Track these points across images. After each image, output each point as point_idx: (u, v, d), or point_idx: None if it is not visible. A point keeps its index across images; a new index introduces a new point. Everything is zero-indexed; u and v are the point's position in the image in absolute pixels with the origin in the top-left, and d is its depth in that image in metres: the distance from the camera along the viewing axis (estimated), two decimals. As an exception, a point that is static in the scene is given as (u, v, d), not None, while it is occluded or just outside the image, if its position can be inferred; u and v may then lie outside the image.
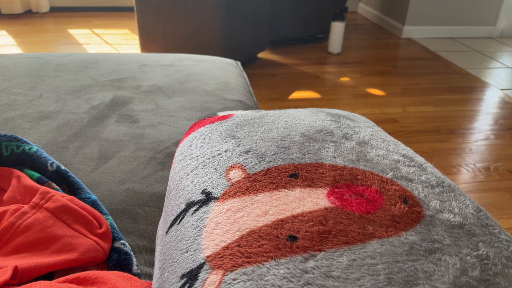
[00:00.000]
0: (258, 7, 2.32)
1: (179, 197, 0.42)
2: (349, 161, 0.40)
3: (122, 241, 0.52)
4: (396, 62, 2.73)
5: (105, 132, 0.75)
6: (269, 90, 2.26)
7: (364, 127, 0.49)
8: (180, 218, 0.39)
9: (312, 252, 0.30)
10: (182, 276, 0.33)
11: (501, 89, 2.40)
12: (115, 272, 0.44)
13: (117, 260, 0.50)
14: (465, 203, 0.37)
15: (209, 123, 0.52)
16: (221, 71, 1.03)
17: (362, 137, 0.45)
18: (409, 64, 2.71)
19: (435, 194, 0.37)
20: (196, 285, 0.31)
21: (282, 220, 0.33)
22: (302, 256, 0.30)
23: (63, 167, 0.59)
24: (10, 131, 0.73)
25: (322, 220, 0.33)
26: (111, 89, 0.90)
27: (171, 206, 0.43)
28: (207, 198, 0.39)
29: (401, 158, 0.42)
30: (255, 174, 0.39)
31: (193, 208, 0.39)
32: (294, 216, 0.33)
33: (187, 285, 0.32)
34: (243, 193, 0.37)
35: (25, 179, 0.55)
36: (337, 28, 2.72)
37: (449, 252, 0.31)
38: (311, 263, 0.29)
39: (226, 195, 0.38)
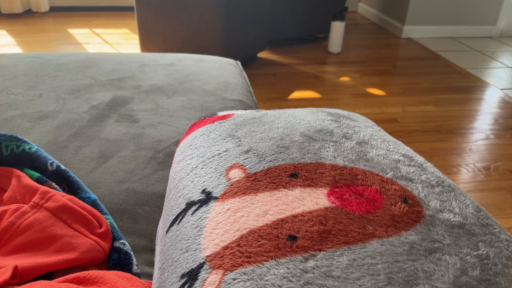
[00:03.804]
0: (258, 6, 2.32)
1: (179, 196, 0.42)
2: (349, 161, 0.40)
3: (122, 240, 0.52)
4: (396, 62, 2.73)
5: (105, 132, 0.75)
6: (269, 89, 2.26)
7: (364, 127, 0.49)
8: (180, 217, 0.39)
9: (312, 252, 0.30)
10: (182, 276, 0.33)
11: (501, 89, 2.40)
12: (115, 271, 0.44)
13: (117, 260, 0.50)
14: (465, 203, 0.37)
15: (209, 123, 0.52)
16: (221, 70, 1.03)
17: (362, 137, 0.45)
18: (409, 64, 2.71)
19: (435, 194, 0.37)
20: (196, 285, 0.31)
21: (282, 219, 0.33)
22: (302, 256, 0.30)
23: (63, 167, 0.59)
24: (10, 131, 0.73)
25: (322, 219, 0.33)
26: (111, 88, 0.90)
27: (171, 205, 0.43)
28: (207, 197, 0.39)
29: (401, 157, 0.42)
30: (255, 173, 0.39)
31: (193, 208, 0.39)
32: (294, 216, 0.33)
33: (187, 285, 0.32)
34: (243, 193, 0.37)
35: (25, 178, 0.55)
36: (337, 28, 2.71)
37: (449, 251, 0.31)
38: (311, 263, 0.29)
39: (226, 195, 0.38)
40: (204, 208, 0.38)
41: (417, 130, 1.93)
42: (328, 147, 0.42)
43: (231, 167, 0.41)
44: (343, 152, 0.42)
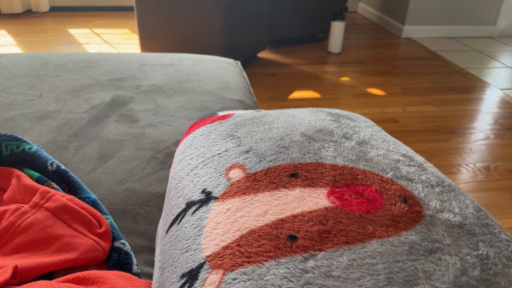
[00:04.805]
0: (258, 6, 2.32)
1: (179, 196, 0.42)
2: (349, 161, 0.40)
3: (122, 240, 0.52)
4: (396, 62, 2.73)
5: (105, 132, 0.75)
6: (269, 89, 2.26)
7: (364, 127, 0.49)
8: (180, 217, 0.39)
9: (312, 252, 0.30)
10: (182, 276, 0.33)
11: (501, 89, 2.40)
12: (115, 271, 0.44)
13: (117, 260, 0.50)
14: (465, 203, 0.37)
15: (209, 123, 0.52)
16: (221, 70, 1.03)
17: (362, 137, 0.45)
18: (409, 64, 2.71)
19: (435, 194, 0.37)
20: (196, 285, 0.31)
21: (282, 219, 0.33)
22: (302, 255, 0.30)
23: (63, 167, 0.59)
24: (10, 131, 0.73)
25: (322, 219, 0.33)
26: (111, 88, 0.90)
27: (171, 205, 0.43)
28: (207, 197, 0.39)
29: (401, 157, 0.42)
30: (255, 173, 0.39)
31: (193, 208, 0.39)
32: (294, 216, 0.33)
33: (187, 285, 0.32)
34: (243, 193, 0.37)
35: (25, 178, 0.55)
36: (337, 28, 2.71)
37: (449, 251, 0.31)
38: (311, 263, 0.29)
39: (226, 195, 0.38)
40: (204, 208, 0.38)
41: (417, 130, 1.93)
42: (328, 147, 0.42)
43: (231, 167, 0.41)
44: (343, 152, 0.42)
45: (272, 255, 0.30)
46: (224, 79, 0.98)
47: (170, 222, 0.41)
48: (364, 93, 2.28)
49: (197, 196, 0.40)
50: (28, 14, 3.36)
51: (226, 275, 0.30)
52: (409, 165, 0.41)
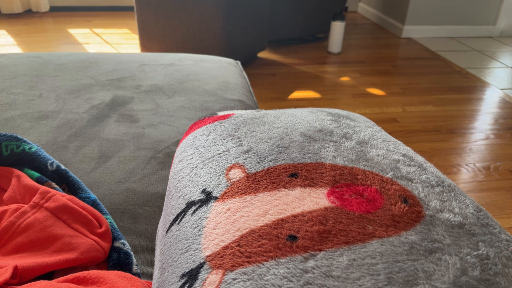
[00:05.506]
0: (258, 6, 2.32)
1: (179, 196, 0.42)
2: (349, 161, 0.40)
3: (122, 240, 0.52)
4: (396, 62, 2.73)
5: (105, 132, 0.75)
6: (269, 89, 2.26)
7: (364, 127, 0.49)
8: (180, 217, 0.39)
9: (312, 252, 0.30)
10: (182, 276, 0.33)
11: (501, 89, 2.40)
12: (115, 271, 0.44)
13: (117, 260, 0.50)
14: (465, 203, 0.37)
15: (209, 123, 0.52)
16: (221, 70, 1.03)
17: (362, 137, 0.45)
18: (409, 64, 2.70)
19: (435, 194, 0.37)
20: (196, 285, 0.31)
21: (282, 219, 0.33)
22: (302, 255, 0.30)
23: (63, 167, 0.59)
24: (10, 131, 0.73)
25: (322, 219, 0.33)
26: (111, 88, 0.90)
27: (171, 205, 0.43)
28: (207, 197, 0.39)
29: (401, 157, 0.42)
30: (255, 173, 0.39)
31: (193, 208, 0.39)
32: (294, 216, 0.33)
33: (187, 285, 0.32)
34: (243, 193, 0.37)
35: (25, 178, 0.55)
36: (337, 28, 2.71)
37: (449, 251, 0.31)
38: (311, 263, 0.29)
39: (226, 195, 0.38)
40: (204, 208, 0.38)
41: (417, 130, 1.93)
42: (328, 147, 0.42)
43: (231, 167, 0.41)
44: (343, 152, 0.42)
45: (272, 255, 0.30)
46: (224, 79, 0.98)
47: (170, 222, 0.41)
48: (364, 93, 2.28)
49: (197, 196, 0.40)
50: (28, 14, 3.36)
51: (226, 275, 0.30)
52: (409, 165, 0.41)
